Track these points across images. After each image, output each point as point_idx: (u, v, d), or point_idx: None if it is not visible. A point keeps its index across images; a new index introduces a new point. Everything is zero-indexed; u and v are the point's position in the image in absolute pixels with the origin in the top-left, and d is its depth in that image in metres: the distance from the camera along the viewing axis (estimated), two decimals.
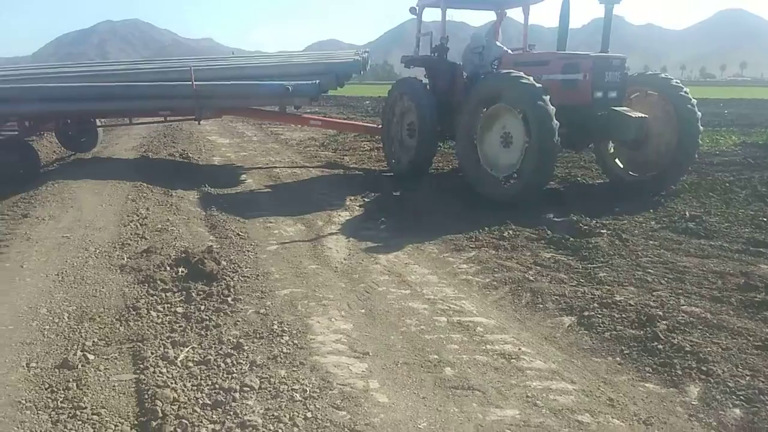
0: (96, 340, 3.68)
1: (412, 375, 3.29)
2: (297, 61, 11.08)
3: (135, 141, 14.53)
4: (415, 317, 4.09)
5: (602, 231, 6.02)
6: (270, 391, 3.07)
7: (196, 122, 11.75)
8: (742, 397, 3.01)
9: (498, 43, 9.24)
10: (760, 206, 7.05)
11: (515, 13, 10.18)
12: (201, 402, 2.96)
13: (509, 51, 9.13)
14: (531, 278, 4.79)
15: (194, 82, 9.56)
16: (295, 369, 3.30)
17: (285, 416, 2.82)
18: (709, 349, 3.50)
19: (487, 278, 4.89)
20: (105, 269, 5.02)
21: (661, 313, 4.00)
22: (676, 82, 7.81)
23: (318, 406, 2.92)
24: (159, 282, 4.64)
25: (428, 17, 9.70)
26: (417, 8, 9.40)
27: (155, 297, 4.38)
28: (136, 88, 9.75)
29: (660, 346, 3.53)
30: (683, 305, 4.16)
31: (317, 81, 9.74)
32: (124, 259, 5.28)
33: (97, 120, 12.03)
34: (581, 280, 4.75)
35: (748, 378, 3.18)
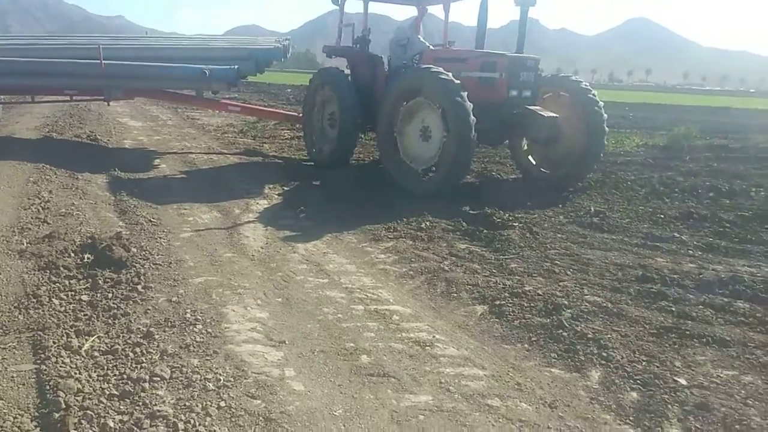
0: None
1: (329, 363, 3.30)
2: (216, 45, 10.76)
3: (38, 120, 13.62)
4: (333, 306, 4.10)
5: (514, 224, 6.26)
6: (182, 380, 2.99)
7: (112, 104, 11.19)
8: (639, 381, 3.21)
9: (420, 38, 9.37)
10: (658, 204, 7.55)
11: (436, 10, 10.34)
12: (108, 392, 2.84)
13: (431, 46, 9.27)
14: (446, 268, 4.91)
15: (103, 61, 9.08)
16: (208, 358, 3.23)
17: (197, 406, 2.76)
18: (609, 336, 3.72)
19: (404, 268, 4.97)
20: (2, 254, 4.69)
21: (566, 302, 4.22)
22: (585, 85, 8.21)
23: (232, 395, 2.88)
24: (62, 269, 4.40)
25: (351, 8, 9.71)
26: None
27: (58, 284, 4.15)
28: (39, 65, 9.15)
29: (565, 334, 3.72)
30: (587, 295, 4.40)
31: (236, 66, 9.51)
32: (23, 244, 4.95)
33: None
34: (494, 271, 4.92)
35: (644, 363, 3.40)
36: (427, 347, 3.52)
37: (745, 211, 7.09)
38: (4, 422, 2.61)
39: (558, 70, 12.10)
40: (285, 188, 7.91)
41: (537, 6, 7.75)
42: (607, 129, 8.23)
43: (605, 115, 8.12)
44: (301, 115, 10.79)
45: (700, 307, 4.24)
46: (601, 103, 8.11)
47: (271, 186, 7.93)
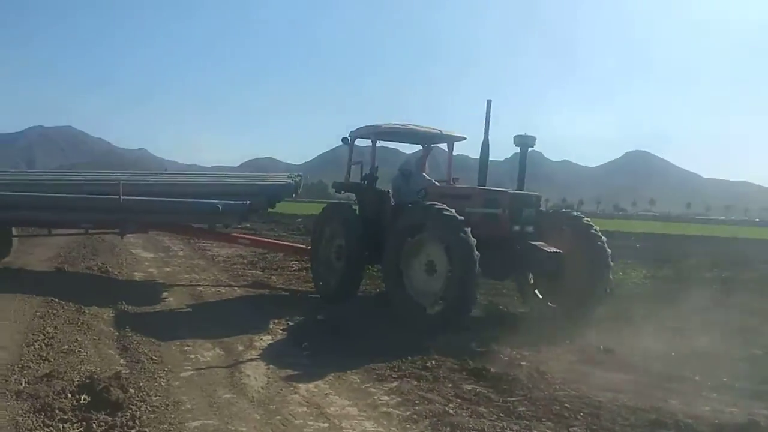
0: None
1: None
2: (229, 181, 11.25)
3: (52, 251, 13.92)
4: None
5: (522, 363, 6.13)
6: None
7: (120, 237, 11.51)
8: None
9: (425, 175, 9.74)
10: (668, 340, 7.40)
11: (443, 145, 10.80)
12: None
13: (435, 182, 9.61)
14: (451, 412, 4.75)
15: (122, 197, 9.47)
16: None
17: None
18: None
19: (407, 411, 4.81)
20: None
21: None
22: (587, 221, 8.39)
23: None
24: (57, 411, 4.30)
25: (361, 143, 10.17)
26: (349, 138, 9.88)
27: (51, 428, 4.04)
28: (61, 200, 9.53)
29: None
30: None
31: (248, 201, 9.86)
32: (21, 384, 4.88)
33: (13, 228, 11.55)
34: (500, 414, 4.75)
35: None
36: None
37: (760, 348, 6.92)
38: None
39: (563, 200, 12.46)
40: (290, 323, 7.88)
41: (540, 140, 8.13)
42: (611, 264, 8.28)
43: (609, 250, 8.20)
44: (308, 247, 10.98)
45: None
46: (604, 239, 8.23)
47: (276, 321, 7.90)
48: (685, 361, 6.47)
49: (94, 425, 4.10)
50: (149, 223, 10.50)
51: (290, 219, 34.41)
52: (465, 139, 9.86)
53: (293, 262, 14.06)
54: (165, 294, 9.60)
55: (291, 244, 14.46)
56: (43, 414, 4.26)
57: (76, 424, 4.15)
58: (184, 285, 10.61)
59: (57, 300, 8.14)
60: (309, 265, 10.94)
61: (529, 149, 8.25)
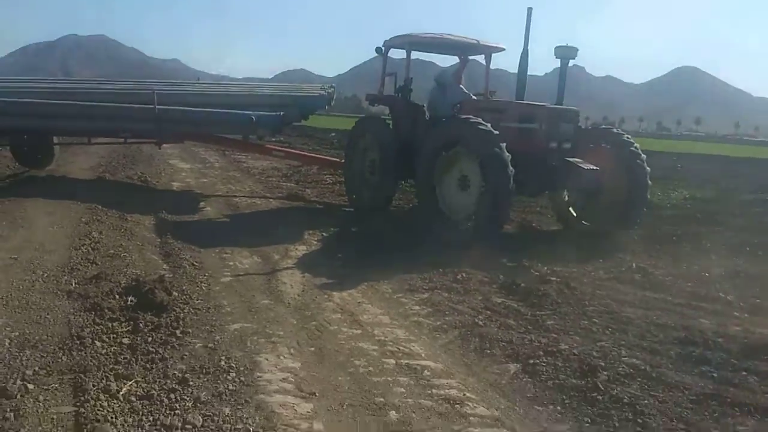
0: (37, 369, 3.57)
1: (357, 417, 3.30)
2: (262, 92, 11.16)
3: (93, 160, 14.28)
4: (364, 358, 4.11)
5: (552, 278, 6.17)
6: (212, 429, 3.04)
7: (162, 146, 11.68)
8: None
9: (462, 87, 9.51)
10: (704, 261, 7.33)
11: (480, 57, 10.49)
12: None
13: (472, 96, 9.40)
14: (480, 323, 4.87)
15: (156, 106, 9.53)
16: (239, 407, 3.28)
17: None
18: (646, 401, 3.61)
19: (438, 321, 4.95)
20: (51, 294, 4.91)
21: (602, 363, 4.11)
22: (627, 137, 8.17)
23: None
24: (106, 310, 4.56)
25: (395, 54, 9.94)
26: (383, 48, 9.63)
27: (101, 326, 4.29)
28: (97, 109, 9.65)
29: (599, 397, 3.63)
30: (624, 357, 4.29)
31: (281, 113, 9.83)
32: (72, 284, 5.17)
33: (54, 137, 11.82)
34: (529, 327, 4.85)
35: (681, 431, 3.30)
36: (456, 405, 3.49)
37: None
38: None
39: (604, 118, 12.11)
40: (324, 234, 8.03)
41: (582, 54, 7.81)
42: (650, 183, 8.12)
43: (648, 169, 8.02)
44: (342, 161, 11.01)
45: (744, 373, 4.07)
46: (644, 156, 8.04)
47: (311, 232, 8.06)
48: (719, 282, 6.43)
49: (141, 324, 4.34)
50: (185, 133, 10.60)
51: (324, 133, 34.33)
52: (504, 49, 9.51)
53: (327, 176, 14.15)
54: (203, 204, 9.83)
55: (325, 157, 14.48)
56: (93, 313, 4.52)
57: (124, 323, 4.39)
58: (220, 196, 10.83)
59: (100, 207, 8.41)
60: (342, 179, 11.02)
61: (570, 62, 7.94)
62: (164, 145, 12.15)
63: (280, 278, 5.92)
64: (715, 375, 4.02)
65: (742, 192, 13.88)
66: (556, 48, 7.82)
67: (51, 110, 9.51)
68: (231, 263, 6.38)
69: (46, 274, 5.40)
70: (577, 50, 7.82)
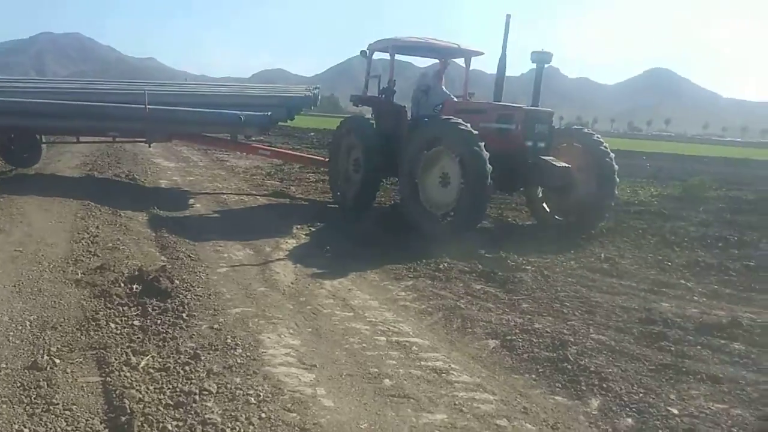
0: (60, 346, 3.91)
1: (355, 384, 3.70)
2: (252, 93, 11.48)
3: (78, 159, 14.42)
4: (358, 336, 4.51)
5: (527, 267, 6.66)
6: (227, 395, 3.41)
7: (145, 144, 11.92)
8: (634, 409, 3.57)
9: (443, 88, 9.94)
10: (667, 252, 7.88)
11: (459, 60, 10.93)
12: (164, 402, 3.27)
13: (453, 97, 9.84)
14: (462, 306, 5.31)
15: (147, 106, 9.79)
16: (249, 377, 3.65)
17: (242, 416, 3.18)
18: (610, 370, 4.08)
19: (423, 305, 5.38)
20: (61, 283, 5.21)
21: (572, 339, 4.59)
22: (597, 137, 8.69)
23: (271, 409, 3.29)
24: (115, 297, 4.89)
25: (377, 56, 10.33)
26: (368, 51, 10.03)
27: (113, 310, 4.63)
28: (91, 108, 9.87)
29: (569, 366, 4.09)
30: (592, 334, 4.77)
31: (269, 113, 10.16)
32: (78, 274, 5.47)
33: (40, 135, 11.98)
34: (506, 309, 5.31)
35: (641, 395, 3.76)
36: (443, 374, 3.91)
37: (753, 261, 7.38)
38: (78, 423, 3.05)
39: (578, 118, 12.66)
40: (312, 229, 8.39)
41: (557, 55, 8.29)
42: (617, 179, 8.66)
43: (616, 166, 8.56)
44: (327, 159, 11.37)
45: (698, 347, 4.58)
46: (612, 155, 8.56)
47: (299, 226, 8.42)
48: (680, 271, 6.99)
49: (149, 309, 4.69)
50: (175, 132, 10.86)
51: (303, 132, 34.61)
52: (482, 54, 10.00)
53: (310, 174, 14.50)
54: (192, 201, 10.12)
55: (310, 156, 14.83)
56: (103, 299, 4.86)
57: (133, 308, 4.73)
58: (208, 193, 11.12)
59: (93, 203, 8.65)
60: (325, 177, 11.37)
61: (546, 66, 8.43)
62: (145, 144, 12.38)
63: (274, 268, 6.28)
64: (672, 349, 4.52)
65: (707, 189, 14.56)
66: (533, 53, 8.30)
67: (43, 109, 9.70)
68: (225, 255, 6.72)
69: (52, 265, 5.69)
70: (552, 55, 8.32)
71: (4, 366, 3.57)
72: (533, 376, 4.02)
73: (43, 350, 3.82)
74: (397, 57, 9.89)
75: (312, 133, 33.79)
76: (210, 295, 5.21)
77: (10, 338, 3.98)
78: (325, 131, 35.00)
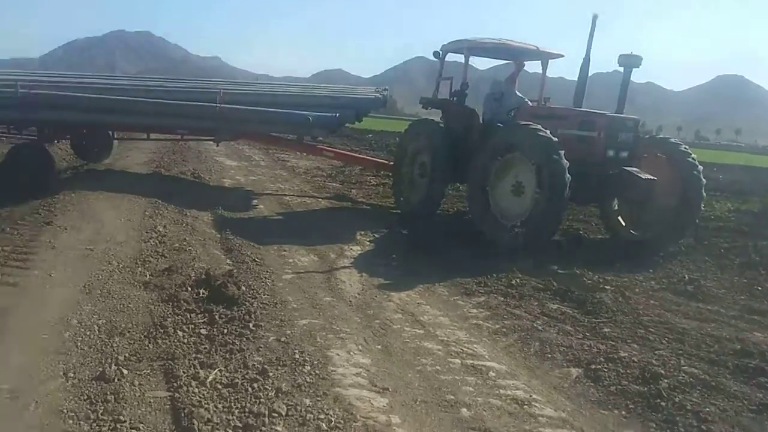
0: (127, 355, 3.84)
1: (431, 413, 3.46)
2: (320, 93, 11.40)
3: (145, 156, 14.75)
4: (430, 357, 4.27)
5: (605, 287, 6.25)
6: (297, 418, 3.23)
7: (208, 143, 12.03)
8: None
9: (517, 93, 9.56)
10: (754, 275, 7.26)
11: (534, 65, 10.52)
12: (233, 424, 3.12)
13: (528, 101, 9.45)
14: (539, 328, 4.99)
15: (219, 105, 9.84)
16: (319, 399, 3.47)
17: None
18: (708, 409, 3.69)
19: (496, 324, 5.08)
20: (129, 285, 5.19)
21: (663, 371, 4.20)
22: (684, 148, 8.15)
23: None
24: (182, 302, 4.82)
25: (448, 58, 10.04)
26: (441, 52, 9.76)
27: (180, 317, 4.55)
28: (162, 106, 9.97)
29: (663, 403, 3.73)
30: (684, 366, 4.36)
31: (336, 114, 10.05)
32: (146, 276, 5.45)
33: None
34: (587, 334, 4.95)
35: None
36: (525, 406, 3.62)
37: None
38: None
39: (642, 125, 11.97)
40: (375, 235, 8.21)
41: (641, 66, 7.79)
42: (705, 195, 8.10)
43: (704, 180, 8.01)
44: (391, 163, 11.17)
45: None
46: (701, 168, 8.02)
47: (363, 232, 8.24)
48: None
49: (216, 316, 4.58)
50: (243, 132, 10.91)
51: (360, 134, 34.55)
52: (562, 56, 9.58)
53: (371, 177, 14.34)
54: (255, 201, 10.11)
55: (374, 158, 14.67)
56: (171, 304, 4.79)
57: (200, 315, 4.64)
58: (271, 194, 11.11)
59: (160, 201, 8.75)
60: (386, 180, 11.16)
61: (634, 70, 7.93)
62: (209, 142, 12.52)
63: (339, 277, 6.12)
64: None
65: None
66: (620, 56, 7.79)
67: (120, 106, 9.87)
68: (290, 260, 6.60)
69: (121, 265, 5.70)
70: (641, 59, 7.76)
71: (72, 375, 3.51)
72: (623, 412, 3.68)
73: (111, 359, 3.75)
74: (455, 57, 9.59)
75: (370, 135, 33.67)
76: (276, 303, 5.08)
77: (79, 344, 3.93)
78: (382, 133, 34.91)
